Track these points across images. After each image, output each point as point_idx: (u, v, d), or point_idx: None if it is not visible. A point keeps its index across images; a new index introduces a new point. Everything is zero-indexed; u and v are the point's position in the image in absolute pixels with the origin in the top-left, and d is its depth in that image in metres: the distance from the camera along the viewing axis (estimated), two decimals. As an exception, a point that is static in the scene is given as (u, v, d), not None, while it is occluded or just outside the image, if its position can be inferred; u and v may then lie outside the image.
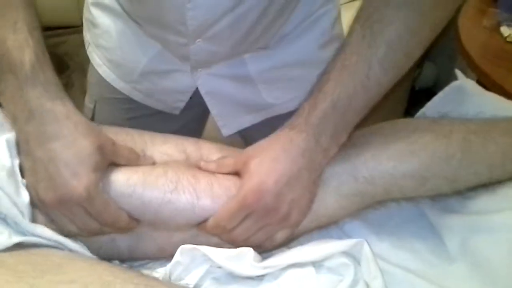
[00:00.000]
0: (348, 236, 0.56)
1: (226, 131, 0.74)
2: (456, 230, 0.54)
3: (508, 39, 1.10)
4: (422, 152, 0.52)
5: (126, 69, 0.69)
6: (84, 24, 0.73)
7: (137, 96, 0.72)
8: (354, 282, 0.48)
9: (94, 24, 0.69)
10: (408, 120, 0.60)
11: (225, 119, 0.73)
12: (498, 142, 0.54)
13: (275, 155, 0.49)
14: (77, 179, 0.44)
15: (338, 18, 0.70)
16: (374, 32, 0.48)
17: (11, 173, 0.45)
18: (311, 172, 0.50)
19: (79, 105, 0.51)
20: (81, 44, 0.75)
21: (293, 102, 0.68)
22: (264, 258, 0.50)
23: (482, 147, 0.54)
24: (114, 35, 0.67)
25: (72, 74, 1.87)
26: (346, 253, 0.50)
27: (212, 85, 0.67)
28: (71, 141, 0.45)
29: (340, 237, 0.55)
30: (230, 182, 0.50)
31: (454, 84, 0.64)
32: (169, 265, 0.46)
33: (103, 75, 0.72)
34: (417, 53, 0.51)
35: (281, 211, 0.48)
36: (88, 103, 0.77)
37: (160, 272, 0.45)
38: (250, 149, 0.52)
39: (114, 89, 0.72)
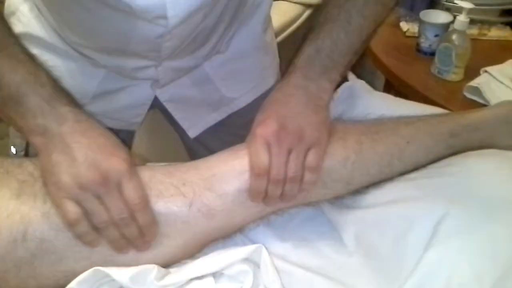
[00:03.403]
0: (252, 242, 0.57)
1: (192, 132, 0.75)
2: (350, 224, 0.57)
3: (407, 34, 1.17)
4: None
5: (76, 95, 0.66)
6: None
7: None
8: (254, 287, 0.50)
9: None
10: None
11: (190, 121, 0.74)
12: (385, 142, 0.58)
13: (271, 98, 0.55)
14: (117, 156, 0.49)
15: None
16: None
17: None
18: (305, 92, 0.54)
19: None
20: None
21: (251, 93, 0.73)
22: (169, 270, 0.50)
23: (372, 148, 0.57)
24: (52, 66, 0.62)
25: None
26: (246, 260, 0.51)
27: (172, 92, 0.68)
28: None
29: (245, 244, 0.56)
30: None
31: (345, 85, 0.67)
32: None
33: None
34: (392, 3, 0.58)
35: (291, 129, 0.51)
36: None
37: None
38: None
39: None
